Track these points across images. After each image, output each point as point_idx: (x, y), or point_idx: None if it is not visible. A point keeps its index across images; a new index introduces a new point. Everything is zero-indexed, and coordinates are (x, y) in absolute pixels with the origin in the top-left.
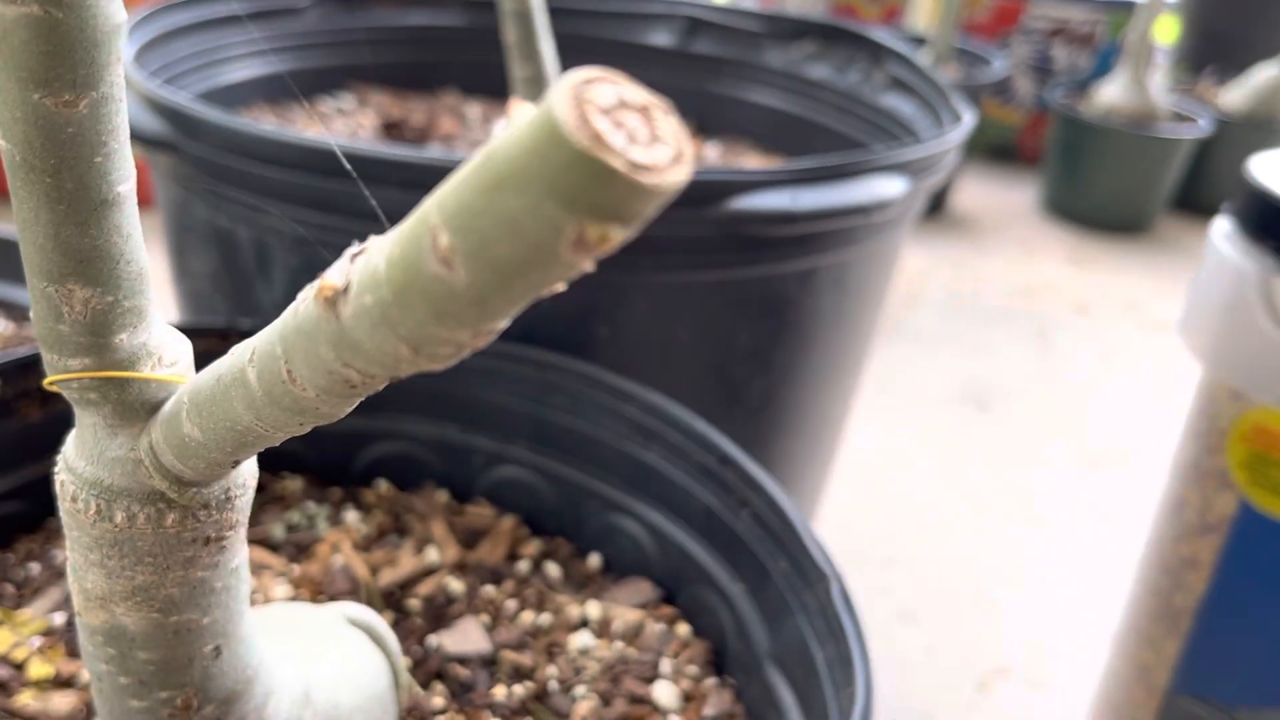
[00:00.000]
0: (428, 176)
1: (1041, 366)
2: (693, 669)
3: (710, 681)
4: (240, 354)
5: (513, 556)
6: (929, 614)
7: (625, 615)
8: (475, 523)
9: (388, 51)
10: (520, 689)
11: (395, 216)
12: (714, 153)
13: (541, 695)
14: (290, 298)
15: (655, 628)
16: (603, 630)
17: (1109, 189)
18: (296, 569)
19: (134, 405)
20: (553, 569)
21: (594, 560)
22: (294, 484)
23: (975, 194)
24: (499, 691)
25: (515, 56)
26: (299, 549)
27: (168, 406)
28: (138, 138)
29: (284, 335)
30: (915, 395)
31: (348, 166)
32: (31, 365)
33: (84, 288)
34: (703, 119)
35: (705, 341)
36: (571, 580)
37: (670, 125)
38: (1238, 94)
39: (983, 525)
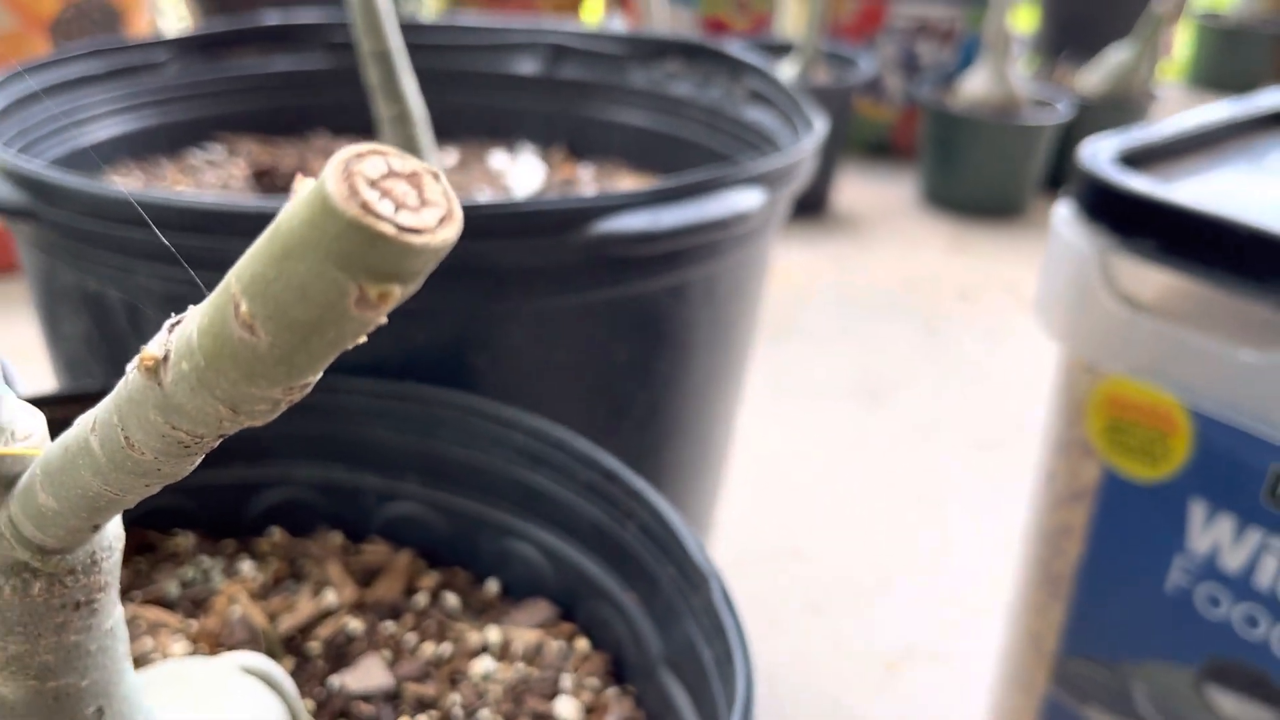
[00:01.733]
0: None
1: (930, 355)
2: (593, 681)
3: (611, 692)
4: (84, 424)
5: (410, 590)
6: (836, 603)
7: (525, 636)
8: (371, 561)
9: (254, 99)
10: (425, 718)
11: None
12: (588, 175)
13: None
14: None
15: (555, 645)
16: (503, 653)
17: (982, 177)
18: (194, 624)
19: None
20: (451, 599)
21: (491, 586)
22: (185, 540)
23: (855, 191)
24: None
25: (379, 97)
26: (195, 604)
27: (23, 480)
28: None
29: (118, 404)
30: (810, 392)
31: (146, 218)
32: None
33: None
34: (574, 143)
35: (585, 362)
36: (470, 608)
37: (438, 189)
38: (1093, 77)
39: (882, 512)
